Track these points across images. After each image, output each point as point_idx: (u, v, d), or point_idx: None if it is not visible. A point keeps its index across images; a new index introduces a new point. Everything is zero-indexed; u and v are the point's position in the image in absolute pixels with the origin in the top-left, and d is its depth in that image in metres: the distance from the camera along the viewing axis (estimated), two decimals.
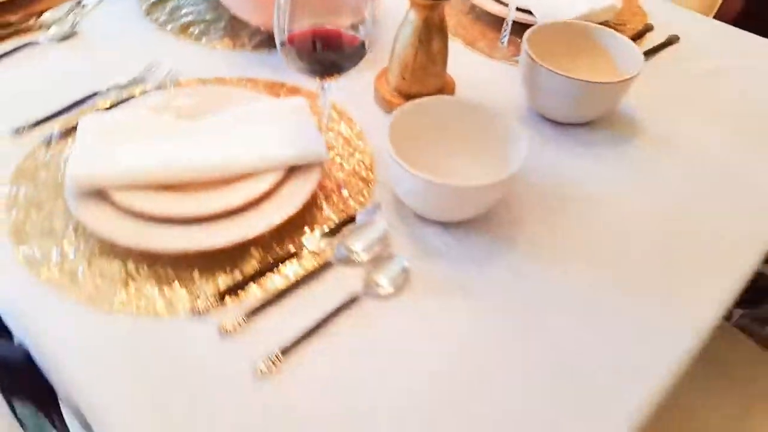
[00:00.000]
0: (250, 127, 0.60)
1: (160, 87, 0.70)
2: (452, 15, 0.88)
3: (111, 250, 0.54)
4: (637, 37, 0.86)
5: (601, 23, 0.82)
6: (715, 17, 0.98)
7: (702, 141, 0.71)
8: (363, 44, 0.55)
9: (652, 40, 0.86)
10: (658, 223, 0.61)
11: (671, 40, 0.86)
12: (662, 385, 0.48)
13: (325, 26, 0.55)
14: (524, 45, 0.67)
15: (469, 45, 0.83)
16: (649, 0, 0.94)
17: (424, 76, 0.67)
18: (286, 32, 0.53)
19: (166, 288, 0.52)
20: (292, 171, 0.58)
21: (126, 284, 0.52)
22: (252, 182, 0.57)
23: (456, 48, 0.83)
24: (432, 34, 0.64)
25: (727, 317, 0.87)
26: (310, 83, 0.65)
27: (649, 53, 0.83)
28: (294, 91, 0.71)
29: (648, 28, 0.88)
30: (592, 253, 0.58)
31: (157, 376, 0.47)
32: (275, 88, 0.72)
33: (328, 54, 0.55)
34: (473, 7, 0.88)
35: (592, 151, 0.68)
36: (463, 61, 0.80)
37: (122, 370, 0.47)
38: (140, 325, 0.49)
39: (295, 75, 0.58)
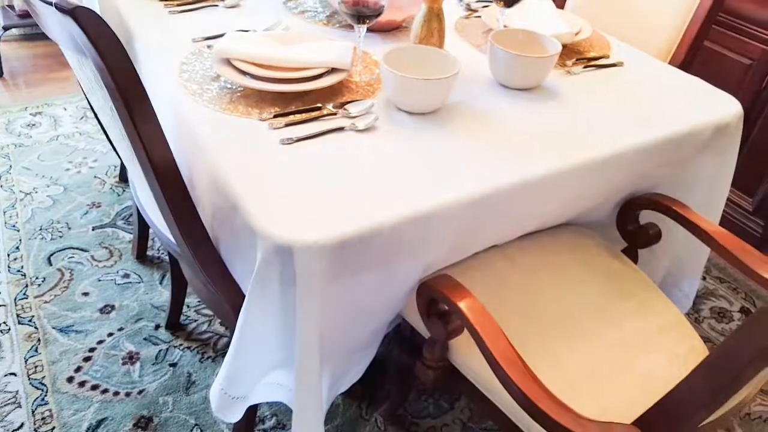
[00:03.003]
0: (311, 48, 1.06)
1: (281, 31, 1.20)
2: (456, 16, 1.36)
3: (226, 89, 1.01)
4: (594, 59, 1.24)
5: (569, 44, 1.22)
6: (669, 63, 1.33)
7: (592, 112, 1.07)
8: (382, 6, 1.01)
9: (605, 61, 1.24)
10: (529, 141, 0.98)
11: (616, 64, 1.23)
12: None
13: None
14: (489, 37, 1.09)
15: (465, 39, 1.26)
16: (621, 45, 1.32)
17: (427, 44, 1.11)
18: None
19: (251, 108, 0.97)
20: (332, 70, 1.04)
21: (231, 102, 0.98)
22: (307, 71, 1.02)
23: (454, 39, 1.26)
24: (432, 17, 1.08)
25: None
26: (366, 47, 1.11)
27: (597, 67, 1.21)
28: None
29: (605, 56, 1.26)
30: (484, 139, 0.96)
31: (235, 141, 0.91)
32: None
33: (360, 8, 1.01)
34: (470, 15, 1.36)
35: (520, 103, 1.07)
36: (459, 48, 1.24)
37: (219, 137, 0.92)
38: (234, 119, 0.95)
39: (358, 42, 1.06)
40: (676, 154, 1.08)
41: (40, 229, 1.71)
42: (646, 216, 1.14)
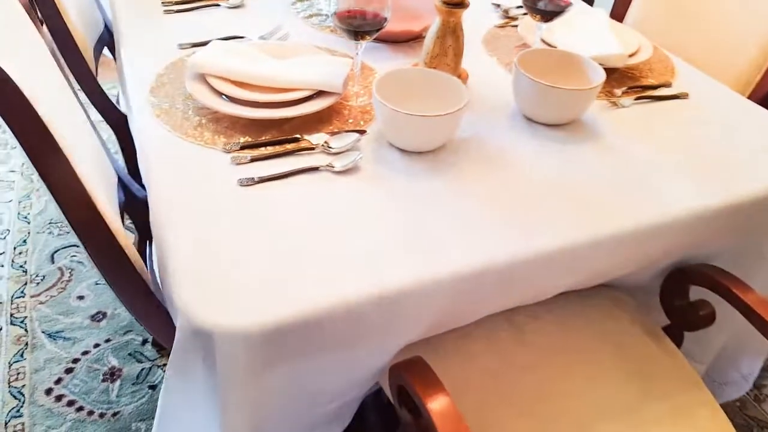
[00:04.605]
0: (302, 64, 0.91)
1: (278, 40, 1.05)
2: (489, 25, 1.17)
3: (198, 110, 0.87)
4: (652, 87, 1.02)
5: (622, 68, 1.01)
6: (749, 97, 1.08)
7: (639, 161, 0.86)
8: (384, 19, 0.84)
9: (665, 91, 1.01)
10: (553, 199, 0.79)
11: (679, 95, 1.00)
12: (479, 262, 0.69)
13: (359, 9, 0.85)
14: (515, 60, 0.89)
15: (494, 55, 1.07)
16: (688, 69, 1.09)
17: (439, 63, 0.93)
18: (335, 10, 0.84)
19: (218, 135, 0.83)
20: (320, 93, 0.88)
21: (198, 127, 0.84)
22: (291, 93, 0.87)
23: (481, 54, 1.07)
24: (446, 33, 0.90)
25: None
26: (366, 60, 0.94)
27: (653, 98, 0.99)
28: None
29: (666, 83, 1.03)
30: (492, 193, 0.78)
31: (193, 172, 0.77)
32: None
33: (357, 21, 0.84)
34: (506, 23, 1.16)
35: (548, 144, 0.87)
36: (485, 65, 1.04)
37: (172, 171, 0.78)
38: (197, 148, 0.81)
39: (362, 54, 0.90)
40: (744, 222, 0.86)
41: (50, 223, 1.66)
42: (698, 290, 0.92)
